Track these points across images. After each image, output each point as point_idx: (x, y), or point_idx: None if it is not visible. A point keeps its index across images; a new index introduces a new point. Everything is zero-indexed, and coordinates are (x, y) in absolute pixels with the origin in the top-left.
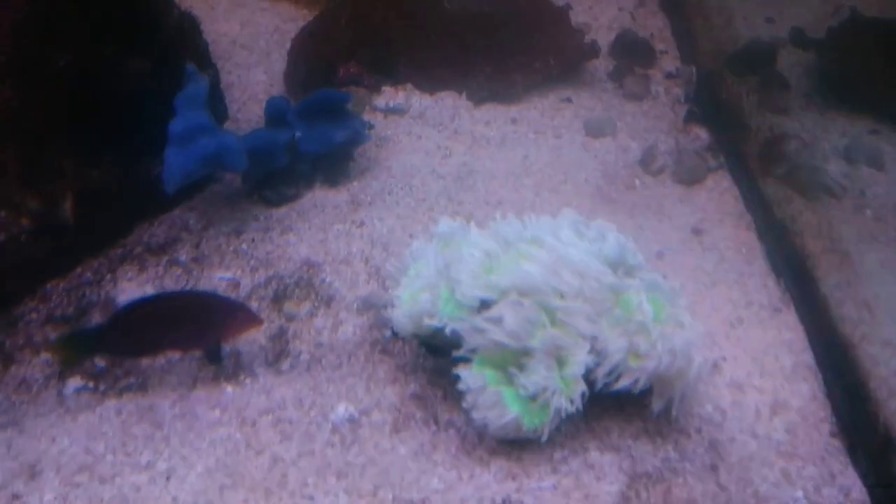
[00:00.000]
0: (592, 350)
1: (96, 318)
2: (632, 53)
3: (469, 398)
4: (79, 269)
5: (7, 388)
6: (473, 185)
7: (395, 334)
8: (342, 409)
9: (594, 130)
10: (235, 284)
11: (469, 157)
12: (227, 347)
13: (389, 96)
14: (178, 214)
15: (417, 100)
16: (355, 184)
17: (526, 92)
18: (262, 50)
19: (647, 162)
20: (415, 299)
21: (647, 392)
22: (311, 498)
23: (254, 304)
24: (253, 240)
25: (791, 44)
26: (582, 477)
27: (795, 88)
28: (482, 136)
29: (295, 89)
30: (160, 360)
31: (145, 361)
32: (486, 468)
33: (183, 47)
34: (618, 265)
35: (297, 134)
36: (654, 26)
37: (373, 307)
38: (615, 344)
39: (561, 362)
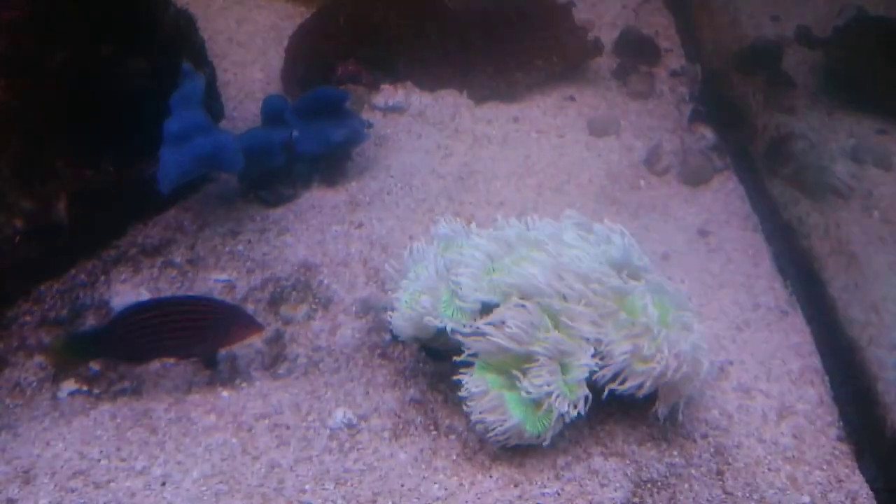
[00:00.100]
0: (596, 354)
1: (90, 321)
2: (636, 51)
3: (470, 403)
4: (73, 271)
5: (0, 391)
6: (474, 185)
7: (394, 338)
8: (340, 415)
9: (598, 129)
10: (231, 287)
11: (470, 156)
12: (223, 352)
13: (389, 94)
14: (172, 215)
15: (417, 98)
16: (354, 184)
17: (528, 90)
18: (259, 48)
19: (651, 162)
20: (415, 302)
21: (652, 397)
22: None
23: (250, 307)
24: (249, 241)
25: (797, 42)
26: (586, 483)
27: (802, 87)
28: (483, 136)
29: (292, 87)
30: (155, 364)
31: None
32: (488, 474)
33: (179, 45)
34: (623, 267)
35: (295, 133)
36: (659, 24)
37: (372, 310)
38: (619, 347)
39: (564, 366)
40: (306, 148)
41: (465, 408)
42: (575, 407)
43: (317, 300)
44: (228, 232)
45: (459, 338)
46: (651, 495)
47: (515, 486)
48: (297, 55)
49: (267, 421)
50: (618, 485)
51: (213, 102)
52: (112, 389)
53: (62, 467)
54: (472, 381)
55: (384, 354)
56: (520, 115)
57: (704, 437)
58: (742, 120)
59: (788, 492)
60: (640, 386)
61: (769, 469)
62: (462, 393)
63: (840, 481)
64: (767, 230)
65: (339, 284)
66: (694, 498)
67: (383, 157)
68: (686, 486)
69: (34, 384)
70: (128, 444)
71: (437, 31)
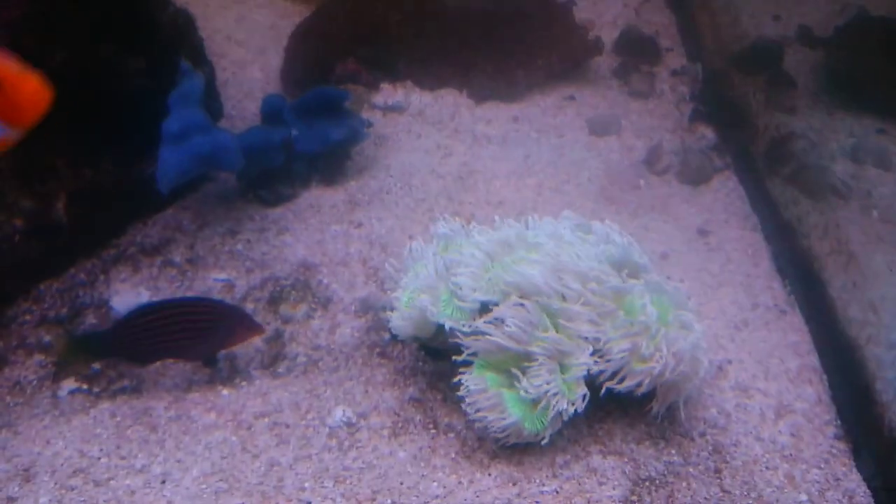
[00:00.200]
0: (595, 353)
1: (90, 319)
2: (637, 51)
3: (469, 401)
4: (72, 270)
5: (1, 389)
6: (474, 184)
7: (393, 337)
8: (340, 413)
9: (598, 129)
10: (230, 286)
11: (470, 156)
12: (222, 351)
13: (388, 94)
14: (171, 214)
15: (417, 97)
16: (353, 183)
17: (528, 90)
18: (258, 47)
19: (651, 161)
20: (414, 301)
21: (650, 395)
22: (309, 503)
23: (249, 307)
24: (248, 240)
25: (798, 42)
26: (584, 482)
27: (802, 87)
28: (483, 135)
29: (291, 87)
30: (155, 362)
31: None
32: (487, 473)
33: (178, 44)
34: (622, 267)
35: (294, 132)
36: (660, 23)
37: (371, 309)
38: (618, 346)
39: (563, 365)
40: (305, 147)
41: (463, 406)
42: (573, 405)
43: (316, 299)
44: (228, 231)
45: (459, 337)
46: (649, 493)
47: (514, 484)
48: (297, 54)
49: (266, 419)
50: (616, 483)
51: (212, 101)
52: (112, 388)
53: (62, 465)
54: (472, 380)
55: (383, 353)
56: (520, 115)
57: (703, 435)
58: (743, 120)
59: (786, 490)
60: (639, 385)
61: (767, 467)
62: (461, 391)
63: (837, 480)
64: (767, 230)
65: (339, 284)
66: (692, 496)
67: (383, 157)
68: (684, 484)
69: (34, 382)
70: (128, 442)
71: (436, 30)
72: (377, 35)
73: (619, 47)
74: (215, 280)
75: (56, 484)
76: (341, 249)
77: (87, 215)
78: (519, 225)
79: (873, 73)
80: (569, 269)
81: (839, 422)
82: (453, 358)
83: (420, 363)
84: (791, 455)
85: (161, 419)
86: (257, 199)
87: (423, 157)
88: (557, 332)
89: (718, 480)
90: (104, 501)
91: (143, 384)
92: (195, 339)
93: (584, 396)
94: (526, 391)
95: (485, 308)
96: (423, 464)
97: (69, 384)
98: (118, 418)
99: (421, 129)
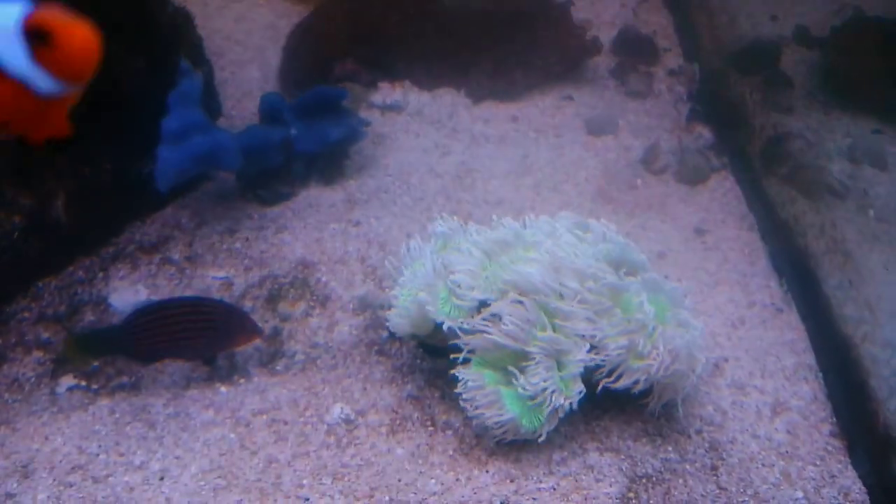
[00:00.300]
0: (592, 350)
1: (88, 317)
2: (634, 51)
3: (467, 397)
4: (71, 268)
5: None
6: (472, 184)
7: (391, 335)
8: (338, 410)
9: (596, 129)
10: (229, 284)
11: (468, 155)
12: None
13: (386, 93)
14: (170, 213)
15: (415, 97)
16: (351, 182)
17: (526, 89)
18: (257, 46)
19: (649, 161)
20: (412, 299)
21: (647, 393)
22: (307, 499)
23: (248, 305)
24: (247, 239)
25: (795, 42)
26: (581, 478)
27: (799, 87)
28: (481, 135)
29: (290, 86)
30: None
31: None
32: (484, 470)
33: (177, 44)
34: (620, 265)
35: (293, 131)
36: (657, 23)
37: (369, 307)
38: (615, 343)
39: (560, 362)
40: (304, 146)
41: (461, 403)
42: (570, 403)
43: (314, 297)
44: (226, 230)
45: (458, 334)
46: (646, 490)
47: (511, 481)
48: (295, 54)
49: (265, 416)
50: (613, 480)
51: (210, 101)
52: (110, 385)
53: (61, 462)
54: (470, 377)
55: (381, 351)
56: (518, 115)
57: (699, 432)
58: (740, 119)
59: (782, 487)
60: (636, 382)
61: (763, 465)
62: (459, 388)
63: (833, 476)
64: (764, 229)
65: (337, 282)
66: (688, 493)
67: (381, 156)
68: (681, 481)
69: (32, 379)
70: (126, 438)
71: (435, 30)
72: (376, 35)
73: (617, 47)
74: (214, 278)
75: (54, 480)
76: (340, 248)
77: (86, 213)
78: (516, 224)
79: (870, 74)
80: (566, 267)
81: (835, 419)
82: (451, 356)
83: (418, 361)
84: (787, 452)
85: (160, 416)
86: (256, 198)
87: (421, 157)
88: (555, 330)
89: (715, 477)
90: (103, 498)
91: (141, 381)
92: (199, 338)
93: (580, 393)
94: (523, 388)
95: (483, 306)
96: (420, 461)
97: (68, 381)
98: (117, 415)
99: (419, 129)
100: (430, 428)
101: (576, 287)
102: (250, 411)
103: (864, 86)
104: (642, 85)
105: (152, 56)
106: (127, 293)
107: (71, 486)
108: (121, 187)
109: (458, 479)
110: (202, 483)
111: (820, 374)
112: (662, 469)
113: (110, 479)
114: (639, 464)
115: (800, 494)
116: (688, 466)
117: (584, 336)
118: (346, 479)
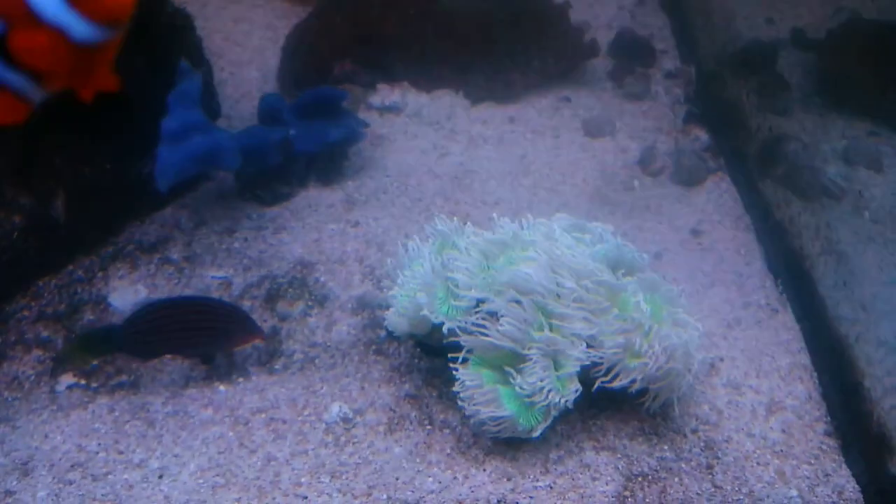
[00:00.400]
0: (589, 349)
1: (87, 316)
2: (631, 53)
3: (465, 395)
4: (70, 267)
5: None
6: (470, 184)
7: (390, 335)
8: (336, 409)
9: (593, 130)
10: (227, 283)
11: (466, 156)
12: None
13: (385, 94)
14: (169, 213)
15: (414, 98)
16: (350, 183)
17: (524, 91)
18: (256, 47)
19: (646, 162)
20: (410, 299)
21: (644, 392)
22: (305, 498)
23: (246, 304)
24: (246, 239)
25: (791, 45)
26: (578, 477)
27: (795, 89)
28: (479, 136)
29: (289, 86)
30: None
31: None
32: (481, 468)
33: (176, 44)
34: (618, 265)
35: (292, 132)
36: (654, 25)
37: (367, 307)
38: (611, 343)
39: (557, 362)
40: (303, 147)
41: (459, 402)
42: (567, 401)
43: (313, 297)
44: (225, 230)
45: (458, 334)
46: (642, 489)
47: (508, 479)
48: (294, 54)
49: (263, 415)
50: (609, 478)
51: (209, 101)
52: (110, 383)
53: (60, 460)
54: (468, 376)
55: (379, 351)
56: (515, 116)
57: (695, 431)
58: (736, 121)
59: (777, 486)
60: (632, 381)
61: (758, 463)
62: (456, 387)
63: (827, 475)
64: (759, 230)
65: (336, 282)
66: (684, 491)
67: (380, 157)
68: (676, 479)
69: (32, 378)
70: (125, 437)
71: (434, 32)
72: (375, 36)
73: (614, 49)
74: (213, 278)
75: (54, 478)
76: (338, 248)
77: (85, 213)
78: (514, 225)
79: (865, 76)
80: (564, 268)
81: (829, 418)
82: (450, 356)
83: (416, 360)
84: (782, 451)
85: (159, 414)
86: (255, 198)
87: (419, 158)
88: (552, 329)
89: (710, 476)
90: (102, 496)
91: (140, 380)
92: (201, 337)
93: (577, 392)
94: (521, 387)
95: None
96: (418, 459)
97: (67, 379)
98: (116, 413)
99: (417, 130)
100: (428, 427)
101: (573, 287)
102: (249, 410)
103: (859, 88)
104: (639, 87)
105: (152, 56)
106: (126, 293)
107: (70, 483)
108: (121, 187)
109: (455, 478)
110: (201, 481)
111: (815, 374)
112: (658, 468)
113: (109, 476)
114: (635, 462)
115: (794, 493)
116: (683, 465)
117: (580, 335)
118: (344, 477)
